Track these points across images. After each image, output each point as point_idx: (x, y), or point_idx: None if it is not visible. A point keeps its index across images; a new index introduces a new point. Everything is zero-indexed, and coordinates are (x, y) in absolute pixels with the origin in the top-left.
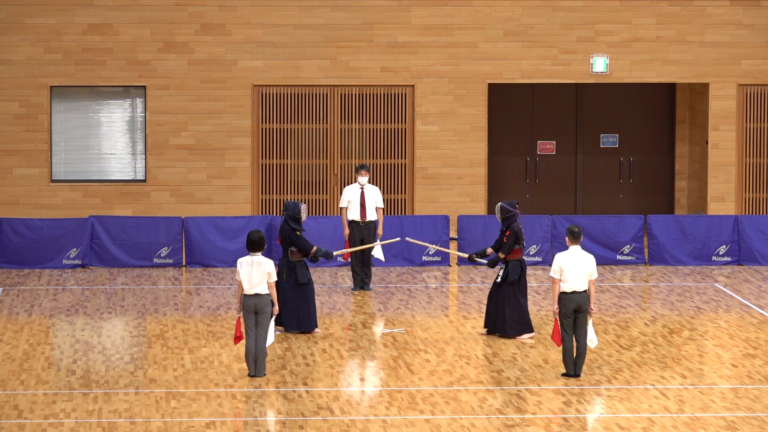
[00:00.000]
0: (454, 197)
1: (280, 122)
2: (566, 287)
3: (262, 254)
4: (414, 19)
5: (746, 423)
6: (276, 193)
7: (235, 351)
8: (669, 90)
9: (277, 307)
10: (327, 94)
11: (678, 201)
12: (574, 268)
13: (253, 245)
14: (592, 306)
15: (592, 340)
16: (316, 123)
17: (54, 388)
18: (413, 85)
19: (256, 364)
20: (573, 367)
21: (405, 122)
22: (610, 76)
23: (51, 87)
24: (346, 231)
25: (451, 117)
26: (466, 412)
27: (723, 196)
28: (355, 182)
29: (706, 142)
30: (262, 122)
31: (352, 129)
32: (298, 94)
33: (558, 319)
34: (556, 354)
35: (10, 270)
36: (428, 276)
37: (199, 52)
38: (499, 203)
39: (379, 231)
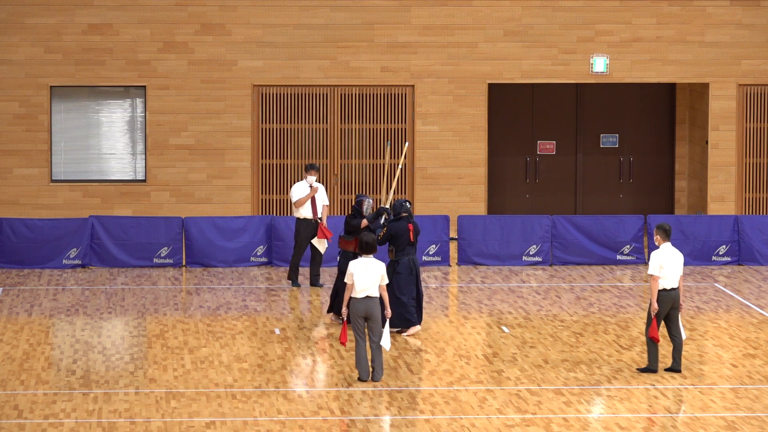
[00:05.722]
0: (454, 197)
1: (280, 122)
2: (666, 284)
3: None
4: (414, 19)
5: (746, 423)
6: (276, 193)
7: (234, 351)
8: (669, 90)
9: (389, 311)
10: (327, 94)
11: (678, 201)
12: (672, 265)
13: (369, 248)
14: (681, 301)
15: (682, 333)
16: (316, 123)
17: (54, 388)
18: (413, 85)
19: (373, 368)
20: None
21: (405, 122)
22: (610, 76)
23: (51, 87)
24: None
25: (451, 117)
26: (466, 412)
27: (723, 196)
28: (303, 180)
29: (706, 142)
30: (262, 122)
31: (352, 129)
32: (298, 94)
33: (656, 316)
34: (555, 354)
35: (10, 270)
36: (428, 276)
37: (199, 52)
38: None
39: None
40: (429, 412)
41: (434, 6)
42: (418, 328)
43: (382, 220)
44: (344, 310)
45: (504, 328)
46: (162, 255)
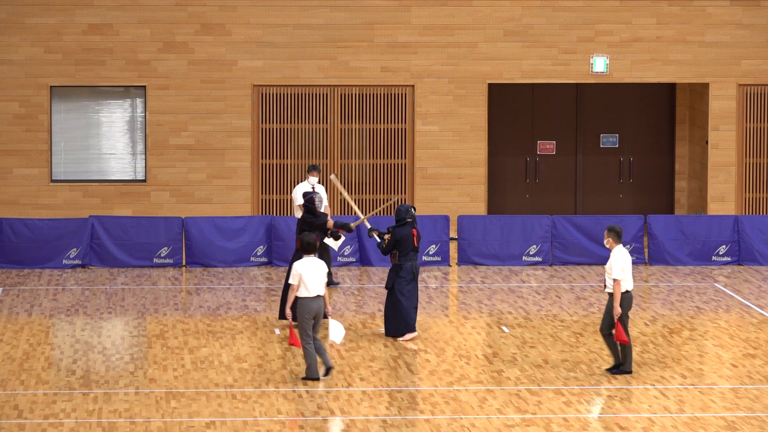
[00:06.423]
0: (454, 197)
1: (280, 122)
2: (627, 286)
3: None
4: (414, 19)
5: (746, 423)
6: (276, 193)
7: (234, 351)
8: (669, 90)
9: (329, 308)
10: (327, 94)
11: (678, 201)
12: (629, 266)
13: (311, 248)
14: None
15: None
16: (316, 123)
17: (54, 388)
18: (413, 85)
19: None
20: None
21: (405, 122)
22: (610, 76)
23: (51, 87)
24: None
25: (451, 117)
26: (466, 412)
27: (723, 196)
28: (305, 181)
29: (706, 142)
30: (262, 122)
31: (352, 129)
32: (298, 94)
33: (620, 319)
34: (555, 354)
35: (10, 270)
36: (428, 276)
37: (199, 52)
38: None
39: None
40: (429, 412)
41: (434, 6)
42: (414, 334)
43: (381, 237)
44: (288, 311)
45: (504, 328)
46: (162, 255)
